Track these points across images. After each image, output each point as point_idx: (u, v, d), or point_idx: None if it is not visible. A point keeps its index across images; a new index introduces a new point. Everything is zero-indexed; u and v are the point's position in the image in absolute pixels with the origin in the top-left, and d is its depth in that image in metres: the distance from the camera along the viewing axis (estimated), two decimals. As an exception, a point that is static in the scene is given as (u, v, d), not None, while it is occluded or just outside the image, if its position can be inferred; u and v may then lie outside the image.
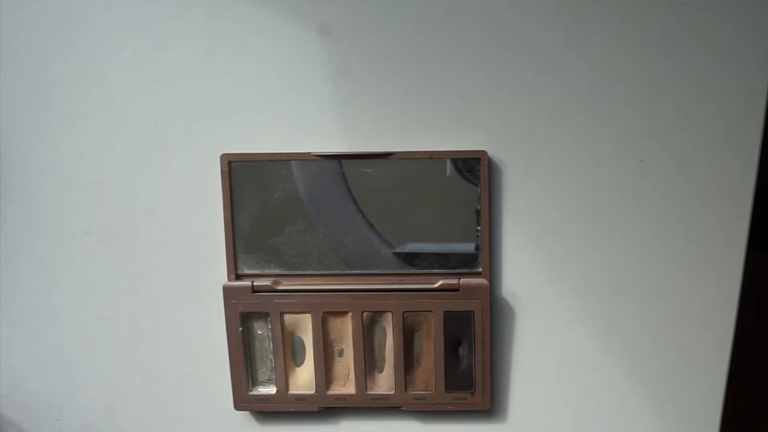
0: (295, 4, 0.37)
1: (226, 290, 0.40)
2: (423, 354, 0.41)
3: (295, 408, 0.41)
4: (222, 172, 0.39)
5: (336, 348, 0.41)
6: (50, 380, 0.43)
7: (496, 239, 0.40)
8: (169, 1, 0.38)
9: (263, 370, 0.41)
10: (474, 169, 0.38)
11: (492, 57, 0.38)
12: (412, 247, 0.40)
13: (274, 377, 0.41)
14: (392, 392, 0.41)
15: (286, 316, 0.40)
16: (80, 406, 0.44)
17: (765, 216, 0.41)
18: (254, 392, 0.41)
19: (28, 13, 0.38)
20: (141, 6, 0.38)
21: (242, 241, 0.40)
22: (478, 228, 0.39)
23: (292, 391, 0.41)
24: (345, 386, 0.41)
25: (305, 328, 0.40)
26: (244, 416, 0.43)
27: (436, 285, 0.39)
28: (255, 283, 0.39)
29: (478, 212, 0.39)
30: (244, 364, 0.41)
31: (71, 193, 0.40)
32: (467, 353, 0.40)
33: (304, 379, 0.41)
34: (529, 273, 0.40)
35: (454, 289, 0.39)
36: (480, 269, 0.40)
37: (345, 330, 0.40)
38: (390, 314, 0.40)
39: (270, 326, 0.40)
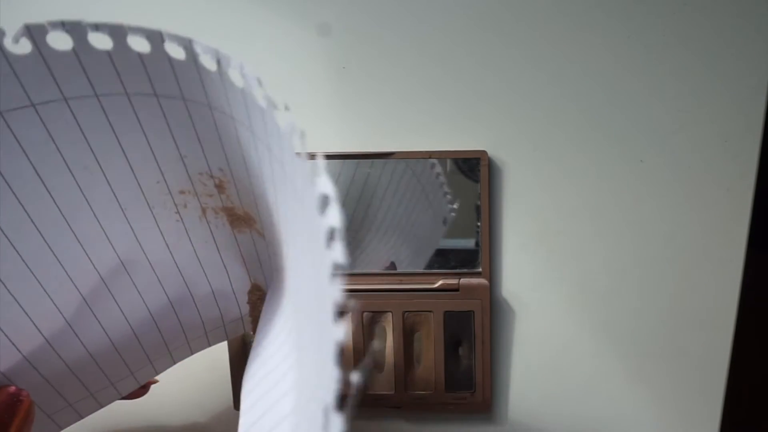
0: (295, 4, 0.37)
1: (226, 290, 0.40)
2: (423, 354, 0.41)
3: (295, 408, 0.41)
4: (222, 171, 0.39)
5: (336, 348, 0.41)
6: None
7: (496, 239, 0.40)
8: (168, 1, 0.38)
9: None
10: (474, 167, 0.39)
11: (492, 56, 0.38)
12: (412, 247, 0.40)
13: (274, 377, 0.41)
14: (392, 392, 0.41)
15: (286, 316, 0.40)
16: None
17: (765, 216, 0.41)
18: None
19: (28, 13, 0.38)
20: (140, 6, 0.38)
21: (242, 241, 0.40)
22: (478, 224, 0.39)
23: (292, 391, 0.41)
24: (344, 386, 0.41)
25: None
26: (244, 416, 0.43)
27: (436, 285, 0.39)
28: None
29: (478, 209, 0.39)
30: (244, 364, 0.41)
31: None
32: (467, 353, 0.40)
33: (304, 378, 0.41)
34: (530, 273, 0.40)
35: (454, 289, 0.39)
36: (480, 269, 0.40)
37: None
38: (390, 314, 0.40)
39: (270, 326, 0.40)
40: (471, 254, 0.40)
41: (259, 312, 0.35)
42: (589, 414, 0.42)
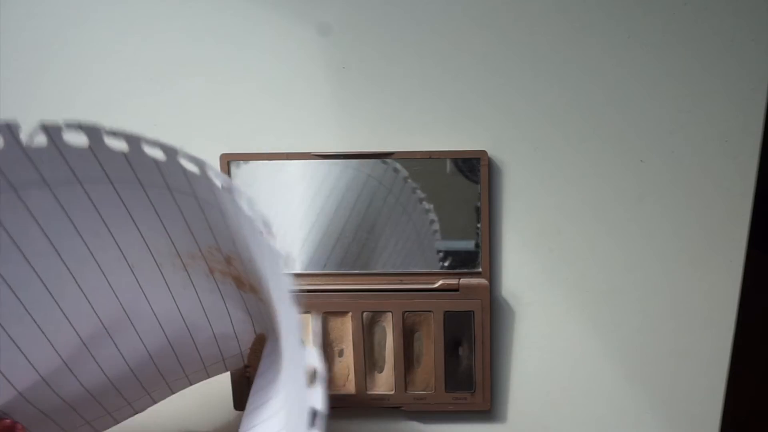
0: (295, 4, 0.37)
1: (226, 290, 0.40)
2: (423, 354, 0.41)
3: (295, 408, 0.41)
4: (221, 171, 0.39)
5: (336, 348, 0.41)
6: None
7: (496, 239, 0.40)
8: (169, 1, 0.38)
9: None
10: (474, 168, 0.39)
11: (492, 56, 0.38)
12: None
13: (274, 377, 0.41)
14: (392, 392, 0.41)
15: (286, 316, 0.40)
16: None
17: (765, 216, 0.41)
18: (254, 392, 0.41)
19: (27, 12, 0.38)
20: (140, 6, 0.38)
21: (242, 241, 0.40)
22: (478, 225, 0.39)
23: (292, 391, 0.41)
24: (345, 386, 0.41)
25: (305, 328, 0.40)
26: (244, 416, 0.43)
27: (436, 285, 0.39)
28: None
29: (478, 210, 0.39)
30: (244, 365, 0.41)
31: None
32: (467, 353, 0.40)
33: (304, 379, 0.41)
34: (529, 273, 0.40)
35: (454, 289, 0.39)
36: (480, 269, 0.40)
37: (345, 330, 0.40)
38: (390, 314, 0.40)
39: (270, 326, 0.40)
40: (471, 254, 0.40)
41: (259, 359, 0.36)
42: (589, 414, 0.42)
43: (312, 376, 0.21)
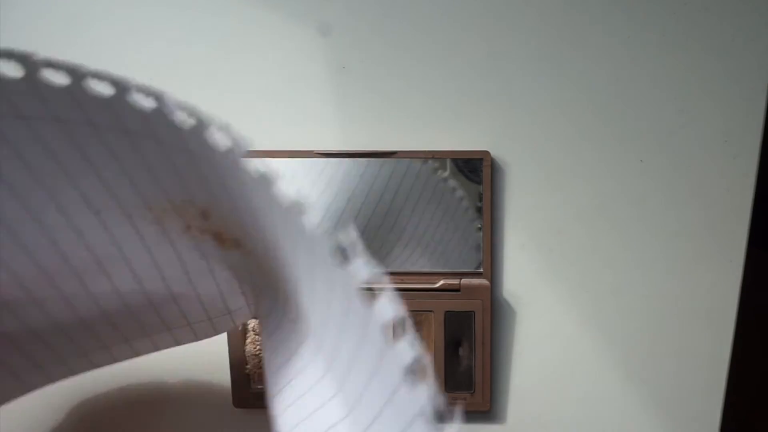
0: (295, 4, 0.37)
1: (227, 290, 0.40)
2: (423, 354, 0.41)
3: (295, 408, 0.41)
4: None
5: (336, 348, 0.41)
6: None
7: (497, 240, 0.40)
8: (169, 1, 0.38)
9: (263, 368, 0.41)
10: (475, 168, 0.39)
11: (493, 57, 0.38)
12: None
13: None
14: (393, 392, 0.41)
15: (287, 316, 0.40)
16: (80, 404, 0.44)
17: (765, 216, 0.41)
18: (254, 390, 0.41)
19: (28, 13, 0.38)
20: (141, 6, 0.38)
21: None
22: (479, 225, 0.39)
23: (293, 391, 0.41)
24: (345, 386, 0.41)
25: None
26: (244, 414, 0.43)
27: (437, 285, 0.39)
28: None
29: (478, 210, 0.39)
30: (243, 362, 0.41)
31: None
32: (467, 353, 0.40)
33: (304, 378, 0.41)
34: (530, 273, 0.40)
35: (456, 290, 0.39)
36: (481, 269, 0.40)
37: (345, 330, 0.40)
38: (390, 314, 0.40)
39: (270, 326, 0.40)
40: (472, 254, 0.40)
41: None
42: (589, 414, 0.42)
43: (390, 329, 0.15)
